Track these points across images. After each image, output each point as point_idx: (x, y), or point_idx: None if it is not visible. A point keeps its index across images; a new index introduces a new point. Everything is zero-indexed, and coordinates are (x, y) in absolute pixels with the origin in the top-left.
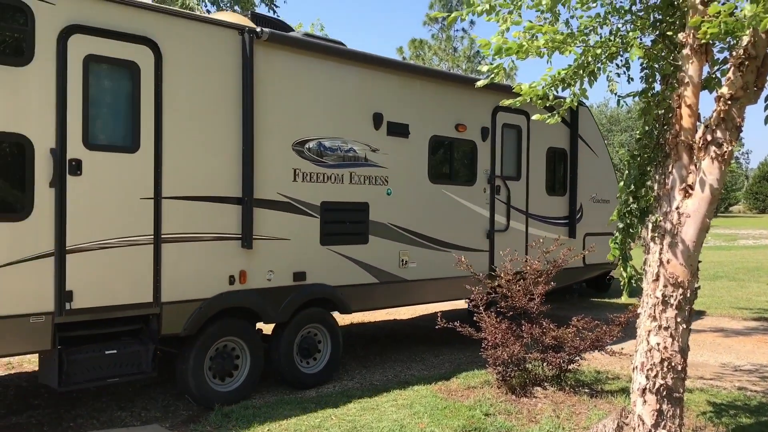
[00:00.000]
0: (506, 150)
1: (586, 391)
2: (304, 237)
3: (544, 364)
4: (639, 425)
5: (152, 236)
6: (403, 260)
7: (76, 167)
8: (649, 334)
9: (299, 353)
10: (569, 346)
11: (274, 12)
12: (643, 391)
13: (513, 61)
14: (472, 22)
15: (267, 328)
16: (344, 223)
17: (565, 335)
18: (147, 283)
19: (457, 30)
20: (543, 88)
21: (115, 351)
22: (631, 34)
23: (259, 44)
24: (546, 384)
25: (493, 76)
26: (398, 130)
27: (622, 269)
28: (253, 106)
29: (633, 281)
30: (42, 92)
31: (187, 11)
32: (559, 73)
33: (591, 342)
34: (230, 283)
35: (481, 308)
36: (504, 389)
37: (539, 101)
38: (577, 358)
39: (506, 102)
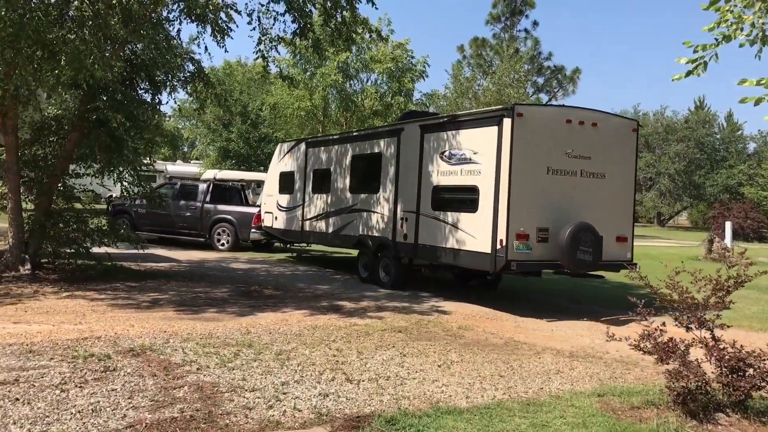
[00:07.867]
0: None
1: None
2: None
3: (727, 387)
4: None
5: None
6: None
7: None
8: None
9: None
10: (758, 369)
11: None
12: None
13: (717, 54)
14: (535, 23)
15: None
16: None
17: (753, 357)
18: None
19: (519, 30)
20: None
21: None
22: None
23: None
24: (728, 410)
25: (693, 69)
26: None
27: None
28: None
29: None
30: None
31: None
32: None
33: None
34: None
35: (650, 319)
36: (679, 412)
37: None
38: (764, 384)
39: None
